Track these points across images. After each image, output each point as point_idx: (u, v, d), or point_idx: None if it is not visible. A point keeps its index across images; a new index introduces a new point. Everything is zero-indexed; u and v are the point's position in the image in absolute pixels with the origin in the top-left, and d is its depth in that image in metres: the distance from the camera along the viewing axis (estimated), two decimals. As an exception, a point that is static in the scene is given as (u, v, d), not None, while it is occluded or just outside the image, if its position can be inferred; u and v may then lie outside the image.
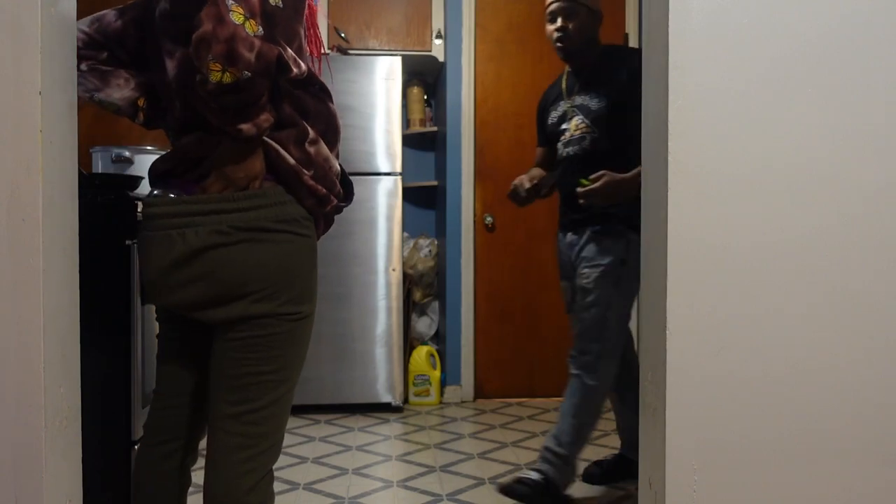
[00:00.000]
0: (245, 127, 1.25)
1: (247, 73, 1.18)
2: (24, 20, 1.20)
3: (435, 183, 4.46)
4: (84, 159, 2.55)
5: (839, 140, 1.37)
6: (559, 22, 2.53)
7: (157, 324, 1.57)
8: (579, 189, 2.32)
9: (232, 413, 1.35)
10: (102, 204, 2.05)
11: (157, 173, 1.41)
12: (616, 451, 2.79)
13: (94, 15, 1.48)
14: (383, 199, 3.87)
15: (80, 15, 1.39)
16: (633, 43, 4.10)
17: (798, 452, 1.39)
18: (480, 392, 4.15)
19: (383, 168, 3.87)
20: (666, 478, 1.37)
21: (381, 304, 3.84)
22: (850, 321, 1.38)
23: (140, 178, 2.50)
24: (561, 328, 4.15)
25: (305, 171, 1.37)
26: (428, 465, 2.99)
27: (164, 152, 3.00)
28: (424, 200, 4.55)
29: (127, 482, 2.09)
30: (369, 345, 3.82)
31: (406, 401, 4.02)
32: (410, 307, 4.21)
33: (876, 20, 1.37)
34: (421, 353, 4.06)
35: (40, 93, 1.21)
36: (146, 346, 2.20)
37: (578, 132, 2.52)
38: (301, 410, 3.73)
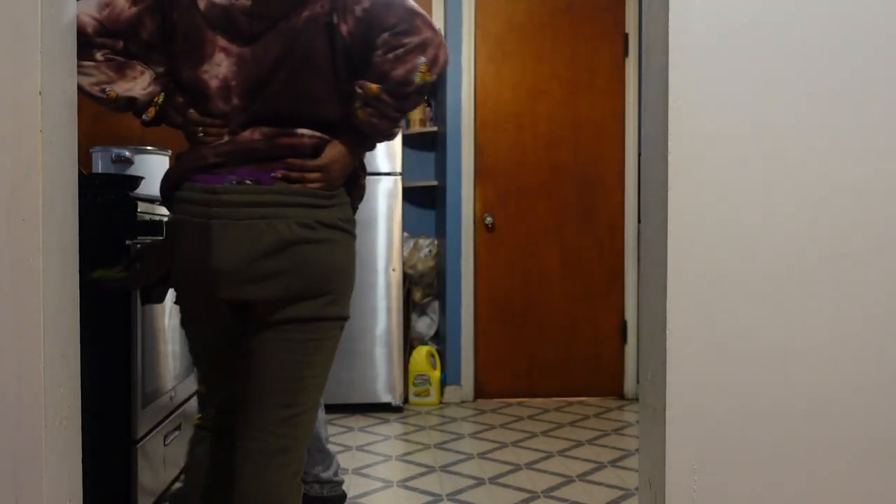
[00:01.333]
0: (398, 129, 1.39)
1: (434, 78, 1.31)
2: (24, 20, 1.20)
3: (435, 183, 4.46)
4: (84, 159, 2.55)
5: (840, 139, 1.37)
6: None
7: (186, 327, 1.48)
8: None
9: (283, 416, 1.32)
10: (102, 204, 2.05)
11: (205, 164, 1.36)
12: None
13: (101, 0, 1.38)
14: (383, 199, 3.87)
15: (80, 15, 1.39)
16: (632, 42, 4.10)
17: (798, 452, 1.39)
18: (480, 392, 4.15)
19: (383, 168, 3.87)
20: (666, 478, 1.37)
21: (381, 304, 3.84)
22: (851, 320, 1.38)
23: (140, 178, 2.51)
24: (561, 328, 4.16)
25: (362, 174, 1.44)
26: (428, 465, 2.99)
27: (165, 152, 2.99)
28: (424, 200, 4.55)
29: (127, 482, 2.09)
30: (369, 345, 3.82)
31: (406, 401, 4.02)
32: (410, 307, 4.21)
33: (877, 20, 1.37)
34: (421, 353, 4.06)
35: (40, 93, 1.21)
36: (146, 346, 2.20)
37: None
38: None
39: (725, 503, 1.39)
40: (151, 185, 2.88)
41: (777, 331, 1.38)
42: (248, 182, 1.31)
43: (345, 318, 1.38)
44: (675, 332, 1.37)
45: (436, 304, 4.28)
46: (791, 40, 1.37)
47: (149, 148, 3.07)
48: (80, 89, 1.35)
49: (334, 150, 1.35)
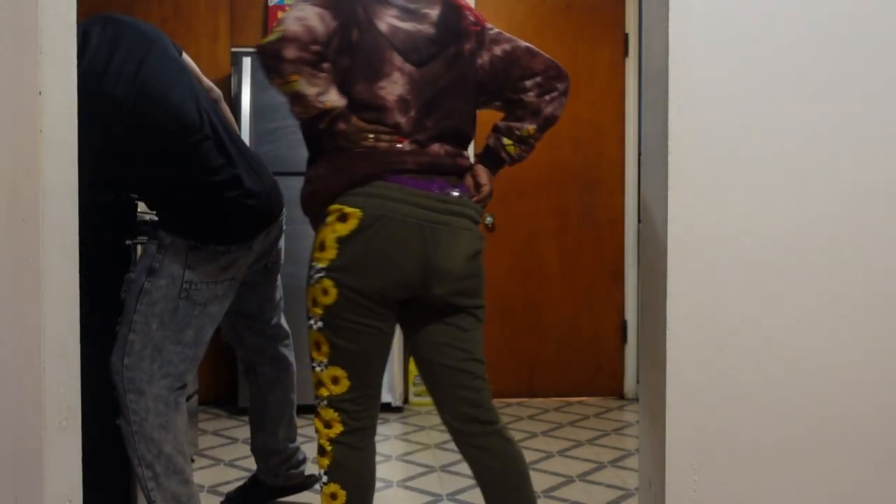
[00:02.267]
0: None
1: None
2: (24, 20, 1.21)
3: (435, 183, 4.45)
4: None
5: (840, 139, 1.37)
6: None
7: (345, 323, 1.44)
8: None
9: (479, 388, 1.54)
10: (102, 204, 2.05)
11: (403, 168, 1.45)
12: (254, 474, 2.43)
13: (317, 10, 1.43)
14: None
15: (79, 15, 1.39)
16: (633, 43, 4.10)
17: (798, 452, 1.39)
18: (480, 392, 4.14)
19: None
20: (666, 478, 1.37)
21: (381, 304, 3.84)
22: (850, 321, 1.38)
23: (140, 178, 2.50)
24: (561, 328, 4.16)
25: None
26: (428, 465, 2.99)
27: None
28: (424, 200, 4.54)
29: (127, 482, 2.09)
30: (369, 345, 3.82)
31: (406, 401, 4.02)
32: (410, 307, 4.21)
33: (876, 19, 1.37)
34: (421, 353, 4.06)
35: (40, 93, 1.21)
36: (146, 346, 2.20)
37: None
38: (301, 410, 3.72)
39: (725, 503, 1.39)
40: (151, 185, 2.88)
41: (777, 331, 1.38)
42: (460, 194, 1.48)
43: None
44: (675, 332, 1.37)
45: (436, 304, 4.28)
46: (791, 40, 1.37)
47: (149, 148, 3.07)
48: (302, 98, 1.40)
49: (488, 175, 1.59)
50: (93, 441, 1.53)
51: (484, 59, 1.55)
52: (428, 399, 4.03)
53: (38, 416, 1.23)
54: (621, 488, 2.69)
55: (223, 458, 3.06)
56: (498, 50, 1.56)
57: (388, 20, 1.47)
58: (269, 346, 2.24)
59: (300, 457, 2.32)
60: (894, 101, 1.37)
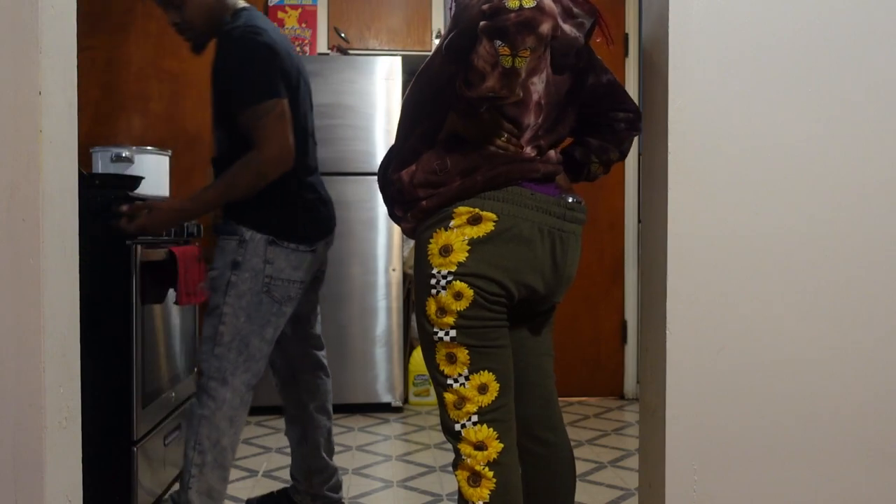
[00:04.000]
0: None
1: None
2: (24, 20, 1.21)
3: (435, 183, 4.45)
4: (84, 159, 2.55)
5: (840, 139, 1.37)
6: (169, 17, 2.06)
7: (486, 337, 1.34)
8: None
9: (553, 380, 1.59)
10: (102, 204, 2.05)
11: (534, 176, 1.37)
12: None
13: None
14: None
15: (79, 15, 1.39)
16: (633, 43, 4.10)
17: (798, 452, 1.39)
18: (480, 392, 4.14)
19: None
20: (666, 478, 1.37)
21: (381, 304, 3.84)
22: (850, 321, 1.38)
23: (140, 178, 2.50)
24: (561, 328, 4.16)
25: None
26: (428, 465, 2.99)
27: (165, 152, 2.97)
28: (424, 200, 4.54)
29: (127, 482, 2.09)
30: (369, 345, 3.82)
31: (406, 401, 4.02)
32: (410, 307, 4.21)
33: (876, 19, 1.37)
34: (421, 352, 4.06)
35: (40, 93, 1.21)
36: (146, 346, 2.20)
37: (216, 137, 2.14)
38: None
39: (725, 503, 1.39)
40: (151, 184, 2.89)
41: (777, 331, 1.38)
42: (574, 200, 1.42)
43: None
44: (675, 332, 1.37)
45: (436, 304, 4.27)
46: (790, 40, 1.37)
47: (149, 148, 3.08)
48: (515, 78, 1.24)
49: (568, 184, 1.54)
50: (93, 441, 1.53)
51: (591, 80, 1.50)
52: (428, 399, 4.03)
53: (38, 416, 1.23)
54: (621, 488, 2.69)
55: (223, 458, 3.05)
56: (604, 78, 1.51)
57: (557, 16, 1.32)
58: (312, 352, 2.25)
59: (339, 479, 2.30)
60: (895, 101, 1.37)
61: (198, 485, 1.91)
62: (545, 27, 1.19)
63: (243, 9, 2.03)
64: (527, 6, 1.18)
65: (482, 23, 1.22)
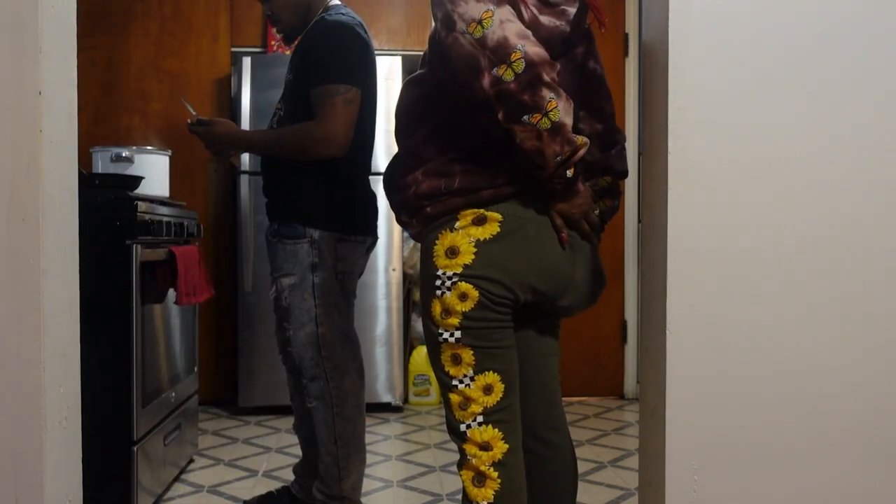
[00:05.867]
0: None
1: None
2: (24, 20, 1.21)
3: (435, 183, 4.45)
4: (84, 159, 2.55)
5: (840, 140, 1.37)
6: (265, 10, 2.17)
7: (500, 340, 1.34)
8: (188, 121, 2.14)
9: (558, 380, 1.60)
10: (102, 204, 2.05)
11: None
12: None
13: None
14: (383, 199, 3.86)
15: (79, 15, 1.39)
16: (633, 43, 4.10)
17: (798, 452, 1.39)
18: (480, 392, 4.14)
19: (383, 168, 3.86)
20: (666, 478, 1.37)
21: (381, 304, 3.84)
22: (850, 320, 1.38)
23: (140, 178, 2.51)
24: (561, 328, 4.15)
25: None
26: (428, 465, 2.99)
27: (165, 152, 2.98)
28: (424, 200, 4.54)
29: (127, 482, 2.09)
30: (369, 345, 3.82)
31: (406, 401, 4.02)
32: (410, 307, 4.21)
33: (875, 19, 1.37)
34: (421, 352, 4.06)
35: (40, 93, 1.21)
36: (146, 346, 2.20)
37: (275, 109, 2.21)
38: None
39: (725, 503, 1.39)
40: (151, 185, 2.89)
41: (777, 331, 1.38)
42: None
43: None
44: (675, 332, 1.37)
45: (436, 304, 4.27)
46: (791, 40, 1.37)
47: (149, 148, 3.08)
48: (563, 129, 1.21)
49: None
50: (93, 441, 1.53)
51: (592, 65, 1.51)
52: (428, 399, 4.03)
53: (38, 416, 1.23)
54: (621, 488, 2.69)
55: (223, 458, 3.05)
56: (598, 68, 1.53)
57: (531, 9, 1.31)
58: None
59: None
60: None
61: (347, 476, 2.06)
62: (545, 72, 1.18)
63: (338, 3, 2.13)
64: (518, 70, 1.16)
65: (500, 114, 1.21)
